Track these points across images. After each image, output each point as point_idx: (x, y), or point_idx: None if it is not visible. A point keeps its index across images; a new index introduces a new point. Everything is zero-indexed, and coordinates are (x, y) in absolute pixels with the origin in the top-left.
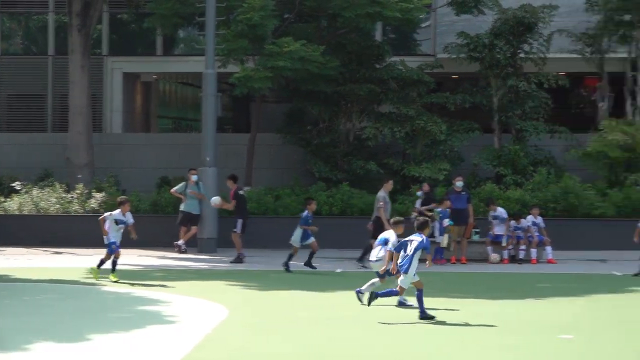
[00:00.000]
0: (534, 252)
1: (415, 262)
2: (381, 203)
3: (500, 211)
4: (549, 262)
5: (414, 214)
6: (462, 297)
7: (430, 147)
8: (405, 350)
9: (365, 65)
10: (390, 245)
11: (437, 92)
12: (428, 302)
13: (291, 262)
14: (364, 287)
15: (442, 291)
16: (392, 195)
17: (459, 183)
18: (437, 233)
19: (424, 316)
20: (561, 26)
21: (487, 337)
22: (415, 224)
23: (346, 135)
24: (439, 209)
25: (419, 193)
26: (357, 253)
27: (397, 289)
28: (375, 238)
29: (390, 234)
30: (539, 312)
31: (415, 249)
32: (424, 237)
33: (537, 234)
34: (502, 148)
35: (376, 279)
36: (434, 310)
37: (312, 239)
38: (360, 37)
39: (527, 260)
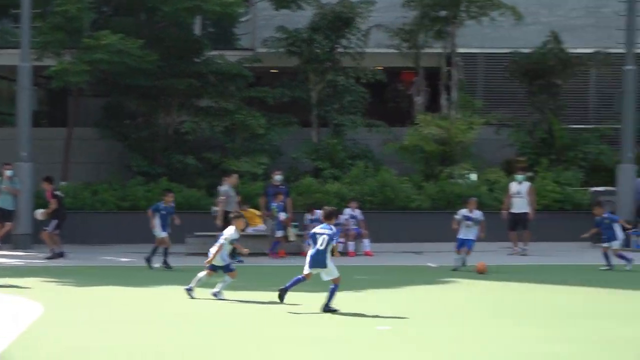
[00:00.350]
0: (351, 245)
1: (329, 255)
2: (222, 197)
3: (319, 213)
4: (367, 254)
5: (215, 208)
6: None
7: (250, 141)
8: (222, 344)
9: (184, 59)
10: (222, 240)
11: (256, 87)
12: (257, 296)
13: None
14: (193, 284)
15: (262, 285)
16: (211, 189)
17: (277, 177)
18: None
19: (328, 309)
20: (379, 21)
21: (305, 330)
22: (322, 214)
23: (165, 130)
24: (275, 204)
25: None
26: (178, 248)
27: (333, 282)
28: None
29: (228, 229)
30: (357, 304)
31: (328, 243)
32: (333, 228)
33: (354, 227)
34: (321, 142)
35: (203, 273)
36: (262, 305)
37: (164, 234)
38: (179, 31)
39: (344, 253)
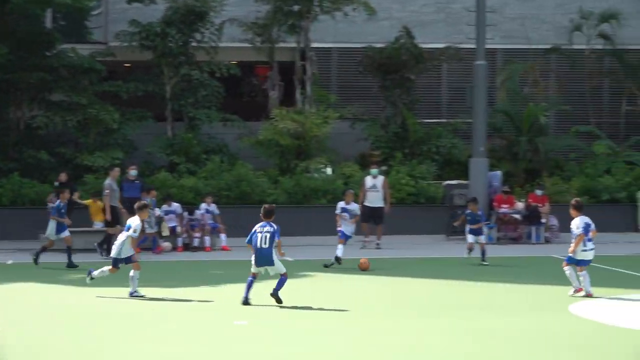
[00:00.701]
0: (207, 239)
1: (275, 252)
2: (106, 191)
3: (175, 206)
4: (223, 249)
5: (50, 205)
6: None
7: (104, 136)
8: (85, 338)
9: (35, 53)
10: (132, 232)
11: (110, 81)
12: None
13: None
14: (95, 272)
15: (116, 281)
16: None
17: (132, 172)
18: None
19: (246, 301)
20: (232, 15)
21: (159, 327)
22: (262, 212)
23: (16, 124)
24: (148, 199)
25: (56, 183)
26: (31, 244)
27: (282, 274)
28: (113, 226)
29: (134, 220)
30: (214, 299)
31: (272, 240)
32: (274, 225)
33: (210, 221)
34: (175, 136)
35: (107, 268)
36: (116, 299)
37: (66, 233)
38: (29, 23)
39: (201, 247)
